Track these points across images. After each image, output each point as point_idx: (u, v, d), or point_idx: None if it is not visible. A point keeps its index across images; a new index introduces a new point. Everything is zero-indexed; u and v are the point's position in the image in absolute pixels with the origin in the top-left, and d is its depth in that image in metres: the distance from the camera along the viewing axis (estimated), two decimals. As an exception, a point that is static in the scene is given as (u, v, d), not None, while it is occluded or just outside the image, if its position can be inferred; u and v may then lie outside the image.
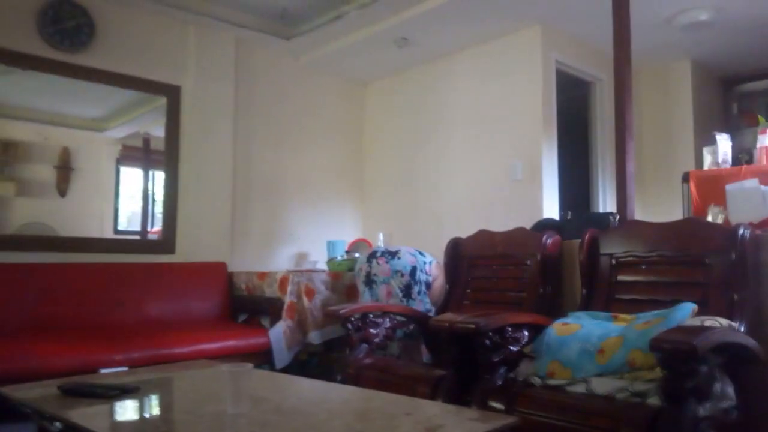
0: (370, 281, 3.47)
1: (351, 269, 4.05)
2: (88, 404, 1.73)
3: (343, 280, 3.92)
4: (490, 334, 2.16)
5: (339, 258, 4.33)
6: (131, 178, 4.20)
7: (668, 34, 4.33)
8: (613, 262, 2.54)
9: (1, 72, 3.59)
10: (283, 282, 3.70)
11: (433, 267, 3.47)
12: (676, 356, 1.62)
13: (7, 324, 3.18)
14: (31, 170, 3.70)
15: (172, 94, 4.22)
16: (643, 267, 2.45)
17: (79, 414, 1.63)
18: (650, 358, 1.87)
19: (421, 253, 3.52)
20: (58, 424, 1.64)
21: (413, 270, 3.40)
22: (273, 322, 3.62)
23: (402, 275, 3.39)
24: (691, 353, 1.58)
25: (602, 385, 1.95)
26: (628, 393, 1.87)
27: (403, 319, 2.93)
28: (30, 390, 1.89)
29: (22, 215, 3.64)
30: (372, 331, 2.76)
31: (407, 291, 3.37)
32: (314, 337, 3.61)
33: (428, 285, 3.41)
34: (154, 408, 1.86)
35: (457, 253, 3.15)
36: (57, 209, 3.76)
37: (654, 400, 1.80)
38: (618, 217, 2.95)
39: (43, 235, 3.67)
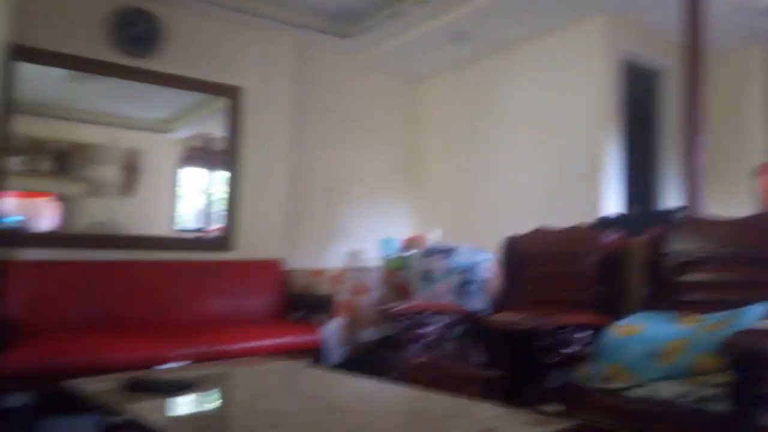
0: (426, 278, 3.45)
1: (404, 267, 4.04)
2: (149, 398, 1.78)
3: (396, 278, 3.92)
4: (546, 334, 2.10)
5: (393, 256, 4.32)
6: (193, 177, 4.34)
7: (743, 18, 4.08)
8: (679, 260, 2.43)
9: (76, 78, 3.78)
10: (337, 279, 3.74)
11: (490, 265, 3.40)
12: (747, 360, 1.53)
13: (75, 318, 3.34)
14: (99, 171, 3.88)
15: (233, 95, 4.32)
16: (712, 266, 2.33)
17: (141, 408, 1.69)
18: (718, 362, 1.77)
19: (478, 251, 3.47)
20: (121, 417, 1.71)
21: (469, 268, 3.35)
22: (327, 319, 3.66)
23: (458, 273, 3.35)
24: (762, 358, 1.49)
25: (665, 390, 1.86)
26: (693, 398, 1.78)
27: (456, 318, 2.89)
28: (95, 384, 1.97)
29: (92, 214, 3.82)
30: (424, 330, 2.74)
31: (463, 289, 3.32)
32: (367, 335, 3.62)
33: (485, 283, 3.36)
34: (211, 403, 1.91)
35: (514, 252, 3.08)
36: (124, 208, 3.93)
37: (720, 407, 1.70)
38: (685, 213, 2.81)
39: (110, 233, 3.84)
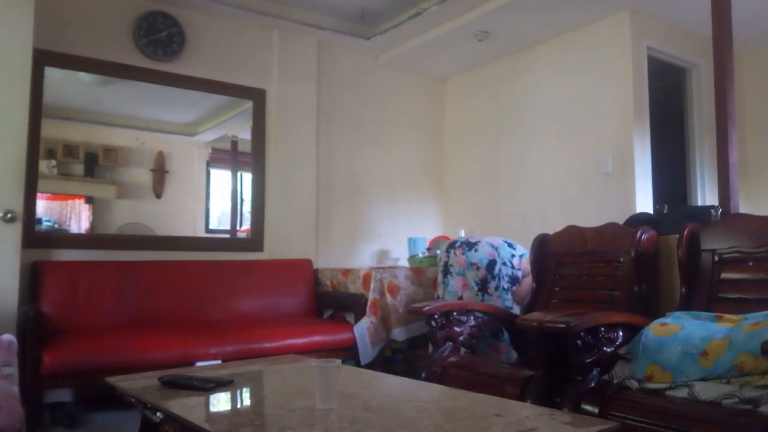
0: (446, 271, 3.41)
1: (433, 266, 4.03)
2: (186, 395, 1.80)
3: (427, 274, 3.90)
4: (582, 334, 2.07)
5: (420, 255, 4.31)
6: (221, 179, 4.38)
7: (773, 12, 4.01)
8: (716, 258, 2.38)
9: (103, 82, 3.84)
10: (366, 278, 3.73)
11: (523, 261, 3.30)
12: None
13: (109, 318, 3.40)
14: (130, 174, 3.93)
15: (257, 97, 4.35)
16: (751, 264, 2.28)
17: (179, 405, 1.71)
18: (762, 363, 1.73)
19: (510, 245, 3.36)
20: (159, 413, 1.73)
21: (491, 264, 3.26)
22: (357, 318, 3.66)
23: (477, 268, 3.26)
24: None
25: (707, 391, 1.82)
26: (737, 399, 1.74)
27: (487, 317, 2.87)
28: (134, 381, 1.99)
29: (122, 216, 3.88)
30: (456, 329, 2.73)
31: (483, 285, 3.24)
32: (398, 334, 3.61)
33: (516, 280, 3.28)
34: (247, 401, 1.91)
35: (544, 250, 3.05)
36: (153, 210, 3.98)
37: (767, 408, 1.66)
38: (720, 210, 2.76)
39: (142, 234, 3.89)
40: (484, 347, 3.12)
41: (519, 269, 3.29)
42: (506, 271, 3.27)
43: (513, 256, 3.31)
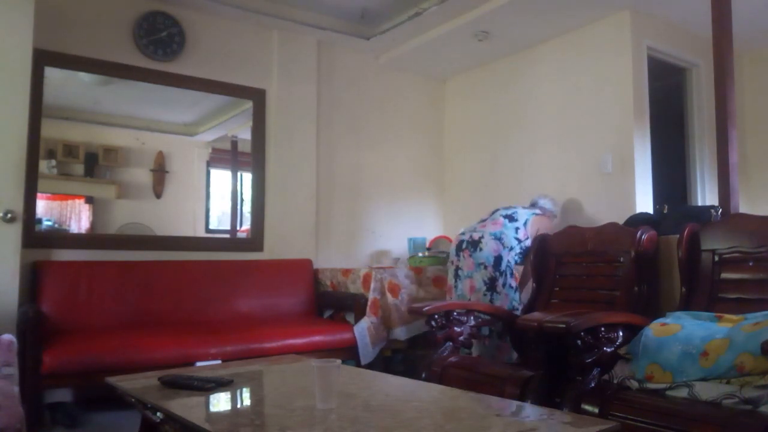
0: (457, 275, 3.41)
1: (433, 265, 4.03)
2: (186, 396, 1.80)
3: (426, 273, 3.90)
4: (582, 334, 2.07)
5: (420, 255, 4.31)
6: (221, 179, 4.38)
7: (773, 11, 4.00)
8: (716, 258, 2.38)
9: (103, 82, 3.84)
10: (367, 278, 3.73)
11: (528, 226, 3.24)
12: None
13: (109, 318, 3.40)
14: (130, 174, 3.93)
15: (257, 97, 4.35)
16: (751, 264, 2.28)
17: (179, 405, 1.71)
18: (762, 363, 1.73)
19: (512, 219, 3.33)
20: (159, 413, 1.73)
21: (497, 260, 3.24)
22: (357, 318, 3.66)
23: (485, 267, 3.26)
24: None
25: (707, 391, 1.82)
26: (737, 399, 1.74)
27: (487, 317, 2.87)
28: (134, 381, 2.00)
29: (122, 216, 3.88)
30: (456, 329, 2.73)
31: (491, 284, 3.23)
32: (400, 333, 3.61)
33: (525, 251, 3.21)
34: (247, 401, 1.91)
35: (544, 250, 3.05)
36: (153, 210, 3.98)
37: (766, 408, 1.66)
38: (720, 210, 2.76)
39: (142, 234, 3.89)
40: (490, 347, 3.12)
41: (527, 238, 3.26)
42: (514, 254, 3.23)
43: (517, 229, 3.28)
